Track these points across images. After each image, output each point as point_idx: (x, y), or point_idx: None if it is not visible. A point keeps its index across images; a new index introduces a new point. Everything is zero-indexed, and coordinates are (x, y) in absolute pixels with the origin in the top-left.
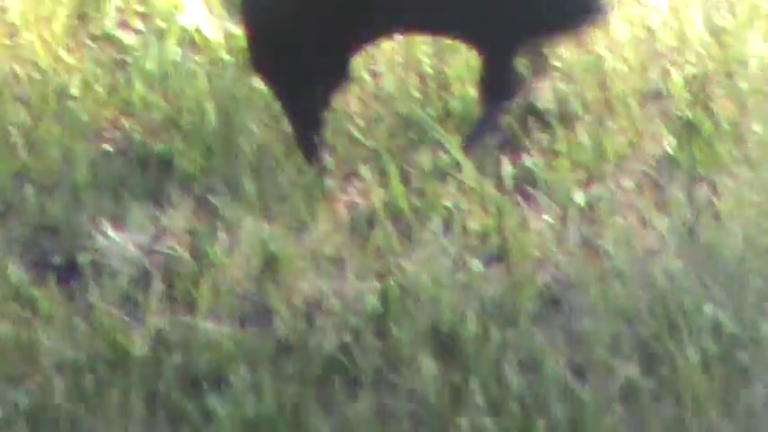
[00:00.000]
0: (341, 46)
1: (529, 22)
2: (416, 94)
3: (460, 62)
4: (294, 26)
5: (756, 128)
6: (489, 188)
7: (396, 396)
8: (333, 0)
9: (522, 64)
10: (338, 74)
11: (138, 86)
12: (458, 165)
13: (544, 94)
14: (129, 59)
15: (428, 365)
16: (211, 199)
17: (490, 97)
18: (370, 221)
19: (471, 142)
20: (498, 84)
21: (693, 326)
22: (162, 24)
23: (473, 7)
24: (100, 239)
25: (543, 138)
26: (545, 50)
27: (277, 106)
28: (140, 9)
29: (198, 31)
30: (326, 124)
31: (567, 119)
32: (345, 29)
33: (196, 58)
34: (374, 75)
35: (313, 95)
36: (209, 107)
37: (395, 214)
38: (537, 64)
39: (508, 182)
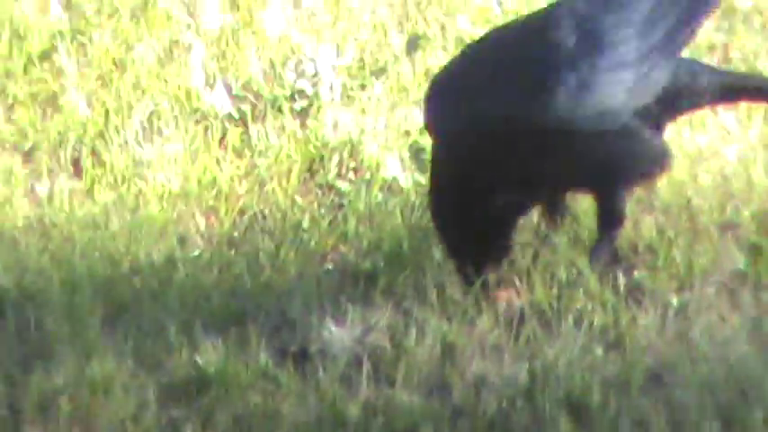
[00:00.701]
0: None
1: (626, 174)
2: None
3: (586, 202)
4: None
5: None
6: (608, 294)
7: None
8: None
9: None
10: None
11: (352, 222)
12: (585, 276)
13: (648, 225)
14: (344, 202)
15: (565, 425)
16: (405, 303)
17: (603, 227)
18: (521, 318)
19: (593, 260)
20: (608, 218)
21: (759, 393)
22: (368, 176)
23: (590, 171)
24: (325, 333)
25: (647, 256)
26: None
27: None
28: (353, 165)
29: (395, 180)
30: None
31: (664, 243)
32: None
33: (394, 200)
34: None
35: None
36: (404, 238)
37: (539, 313)
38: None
39: (621, 289)
